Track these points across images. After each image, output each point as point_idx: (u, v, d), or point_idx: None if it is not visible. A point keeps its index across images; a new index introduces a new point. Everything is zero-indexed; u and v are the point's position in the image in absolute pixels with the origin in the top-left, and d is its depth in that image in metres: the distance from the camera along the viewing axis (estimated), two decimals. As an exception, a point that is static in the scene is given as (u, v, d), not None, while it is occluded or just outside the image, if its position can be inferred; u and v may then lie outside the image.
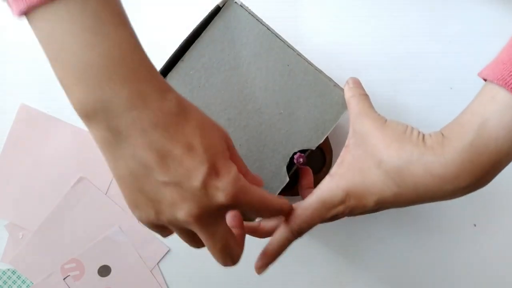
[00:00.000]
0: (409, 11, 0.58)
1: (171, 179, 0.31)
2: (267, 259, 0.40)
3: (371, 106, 0.40)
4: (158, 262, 0.56)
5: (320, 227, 0.56)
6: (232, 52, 0.43)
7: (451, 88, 0.57)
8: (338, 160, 0.39)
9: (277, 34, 0.43)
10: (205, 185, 0.31)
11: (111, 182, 0.56)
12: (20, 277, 0.56)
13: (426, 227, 0.56)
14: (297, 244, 0.56)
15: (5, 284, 0.55)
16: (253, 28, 0.43)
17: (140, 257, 0.56)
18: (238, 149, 0.42)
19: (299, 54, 0.43)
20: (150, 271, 0.56)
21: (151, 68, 0.31)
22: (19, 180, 0.56)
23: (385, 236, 0.56)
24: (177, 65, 0.43)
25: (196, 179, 0.31)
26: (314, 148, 0.43)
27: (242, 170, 0.38)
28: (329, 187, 0.38)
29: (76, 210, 0.56)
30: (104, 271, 0.56)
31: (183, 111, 0.32)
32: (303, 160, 0.42)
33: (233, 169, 0.32)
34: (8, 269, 0.56)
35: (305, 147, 0.43)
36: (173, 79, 0.43)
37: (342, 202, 0.37)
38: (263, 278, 0.56)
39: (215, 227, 0.33)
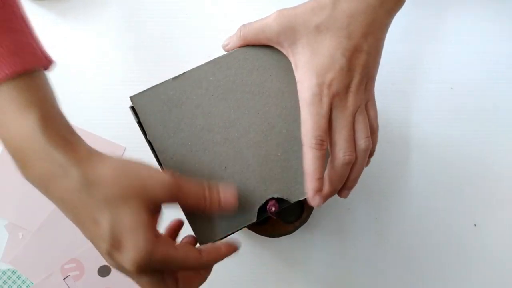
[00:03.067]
0: (409, 10, 0.58)
1: (91, 240, 0.35)
2: (319, 184, 0.39)
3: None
4: (158, 262, 0.56)
5: (320, 228, 0.56)
6: (259, 78, 0.42)
7: (451, 88, 0.57)
8: (295, 69, 0.41)
9: None
10: (110, 256, 0.35)
11: (111, 182, 0.56)
12: (20, 277, 0.56)
13: (426, 227, 0.56)
14: (296, 246, 0.56)
15: (5, 284, 0.55)
16: (286, 66, 0.42)
17: (140, 257, 0.56)
18: (221, 171, 0.42)
19: None
20: (150, 271, 0.56)
21: (54, 145, 0.34)
22: (19, 180, 0.56)
23: (386, 236, 0.56)
24: (201, 65, 0.42)
25: (102, 250, 0.35)
26: (292, 202, 0.42)
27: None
28: (304, 88, 0.39)
29: (76, 210, 0.56)
30: (104, 271, 0.56)
31: (86, 186, 0.34)
32: (274, 209, 0.41)
33: (141, 243, 0.34)
34: (8, 269, 0.56)
35: (285, 197, 0.42)
36: (191, 78, 0.42)
37: (321, 84, 0.39)
38: (262, 277, 0.56)
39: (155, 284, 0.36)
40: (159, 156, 0.41)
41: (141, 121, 0.41)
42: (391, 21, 0.41)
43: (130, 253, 0.34)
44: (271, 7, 0.42)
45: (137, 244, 0.34)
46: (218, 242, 0.39)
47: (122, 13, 0.58)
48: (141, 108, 0.41)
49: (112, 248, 0.34)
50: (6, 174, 0.56)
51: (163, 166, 0.41)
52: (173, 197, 0.37)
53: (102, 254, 0.35)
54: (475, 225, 0.56)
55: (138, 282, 0.36)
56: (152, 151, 0.42)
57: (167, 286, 0.36)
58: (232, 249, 0.39)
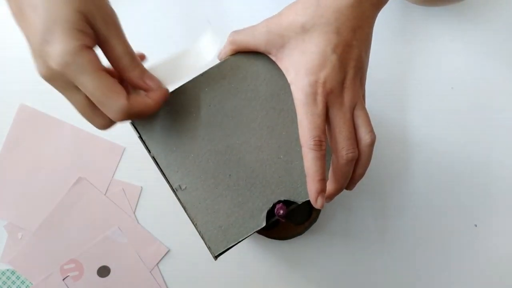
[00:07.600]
0: (409, 10, 0.58)
1: (24, 33, 0.33)
2: (321, 186, 0.38)
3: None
4: (157, 263, 0.56)
5: (327, 229, 0.56)
6: (253, 83, 0.43)
7: (451, 88, 0.57)
8: (286, 73, 0.40)
9: None
10: (41, 46, 0.32)
11: (110, 182, 0.56)
12: (19, 277, 0.55)
13: (427, 227, 0.56)
14: (306, 247, 0.56)
15: (4, 284, 0.55)
16: (278, 68, 0.42)
17: (140, 258, 0.56)
18: (226, 179, 0.42)
19: None
20: (150, 271, 0.56)
21: None
22: (18, 180, 0.56)
23: (386, 236, 0.56)
24: (195, 77, 0.43)
25: (36, 38, 0.33)
26: (299, 203, 0.42)
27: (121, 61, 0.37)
28: (298, 88, 0.38)
29: (75, 210, 0.55)
30: (104, 271, 0.56)
31: None
32: (283, 212, 0.41)
33: (70, 44, 0.32)
34: (8, 269, 0.56)
35: (292, 199, 0.42)
36: (187, 91, 0.42)
37: (315, 83, 0.38)
38: (262, 278, 0.56)
39: (71, 92, 0.34)
40: (164, 171, 0.42)
41: (143, 139, 0.42)
42: (377, 15, 0.40)
43: (56, 51, 0.32)
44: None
45: (65, 43, 0.32)
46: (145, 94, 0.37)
47: (122, 13, 0.57)
48: (142, 126, 0.42)
49: (43, 39, 0.33)
50: (6, 174, 0.56)
51: (169, 180, 0.42)
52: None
53: (35, 43, 0.33)
54: (475, 225, 0.56)
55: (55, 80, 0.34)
56: (157, 167, 0.42)
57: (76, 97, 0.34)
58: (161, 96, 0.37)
